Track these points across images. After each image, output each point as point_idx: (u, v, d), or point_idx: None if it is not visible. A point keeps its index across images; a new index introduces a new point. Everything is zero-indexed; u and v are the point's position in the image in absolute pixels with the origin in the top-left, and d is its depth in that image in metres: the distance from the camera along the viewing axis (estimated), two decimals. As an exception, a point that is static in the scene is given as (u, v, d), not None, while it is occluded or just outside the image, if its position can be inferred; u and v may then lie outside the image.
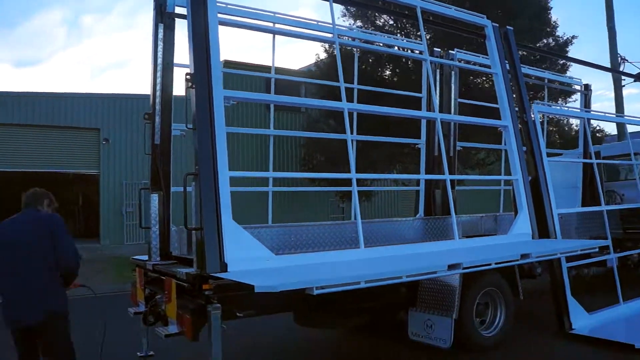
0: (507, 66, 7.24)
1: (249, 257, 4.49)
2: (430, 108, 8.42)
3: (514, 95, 7.25)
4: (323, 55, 20.24)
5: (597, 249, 6.21)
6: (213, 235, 4.41)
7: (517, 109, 7.15)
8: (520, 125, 7.10)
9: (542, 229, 6.72)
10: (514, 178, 6.75)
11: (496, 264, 5.09)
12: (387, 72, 19.94)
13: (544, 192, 6.89)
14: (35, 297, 4.01)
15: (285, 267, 4.60)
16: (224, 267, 4.34)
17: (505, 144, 7.64)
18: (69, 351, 4.26)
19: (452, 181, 6.60)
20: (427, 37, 6.68)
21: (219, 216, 4.45)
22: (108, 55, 77.90)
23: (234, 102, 4.91)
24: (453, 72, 8.52)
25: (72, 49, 76.81)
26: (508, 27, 7.48)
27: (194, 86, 4.59)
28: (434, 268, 4.55)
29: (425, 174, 8.46)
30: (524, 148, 7.00)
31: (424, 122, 8.58)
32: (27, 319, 4.02)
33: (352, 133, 6.12)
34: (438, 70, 8.35)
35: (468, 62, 9.51)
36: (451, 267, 4.59)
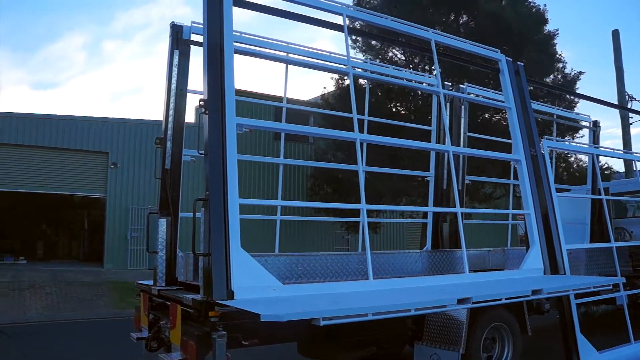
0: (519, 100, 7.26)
1: (256, 286, 4.43)
2: (440, 141, 8.45)
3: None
4: (331, 88, 20.42)
5: (610, 286, 6.11)
6: (221, 262, 4.37)
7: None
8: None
9: (552, 264, 6.64)
10: (526, 212, 6.68)
11: (506, 299, 5.01)
12: (397, 106, 20.05)
13: (553, 227, 6.84)
14: None
15: (293, 297, 4.55)
16: (230, 295, 4.29)
17: (515, 178, 7.61)
18: None
19: (461, 214, 6.56)
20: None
21: (227, 242, 4.42)
22: (126, 81, 79.04)
23: (246, 129, 4.93)
24: (463, 106, 8.56)
25: (91, 74, 78.08)
26: (519, 62, 7.53)
27: (207, 112, 4.62)
28: (443, 302, 4.49)
29: (434, 206, 8.44)
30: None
31: (433, 155, 8.59)
32: None
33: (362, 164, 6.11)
34: (448, 104, 8.40)
35: (477, 96, 9.57)
36: (460, 301, 4.52)
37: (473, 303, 4.63)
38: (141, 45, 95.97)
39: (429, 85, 9.46)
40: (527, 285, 5.49)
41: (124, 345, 5.46)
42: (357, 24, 20.34)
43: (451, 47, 6.96)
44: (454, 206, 6.43)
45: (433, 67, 6.58)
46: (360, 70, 8.64)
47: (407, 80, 9.26)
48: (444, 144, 8.06)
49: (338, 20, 5.90)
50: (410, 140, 6.64)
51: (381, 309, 4.07)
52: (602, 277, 7.20)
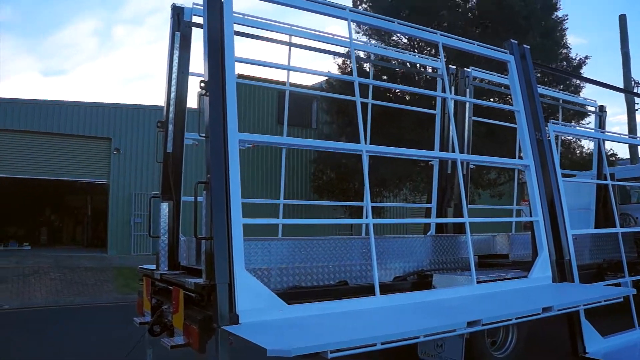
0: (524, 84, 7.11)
1: (261, 308, 4.32)
2: (444, 125, 8.35)
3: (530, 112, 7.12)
4: (335, 72, 20.28)
5: (621, 299, 5.99)
6: (223, 245, 4.32)
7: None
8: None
9: (557, 251, 6.56)
10: (534, 219, 6.48)
11: (517, 318, 4.84)
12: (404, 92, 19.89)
13: (559, 213, 6.75)
14: None
15: (298, 320, 4.38)
16: (235, 319, 4.17)
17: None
18: None
19: (465, 197, 6.46)
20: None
21: (229, 226, 4.36)
22: (137, 67, 78.71)
23: (249, 145, 4.88)
24: (467, 90, 8.45)
25: (101, 60, 77.79)
26: (525, 45, 7.40)
27: (207, 94, 4.55)
28: (452, 326, 4.32)
29: (437, 190, 8.35)
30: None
31: (437, 139, 8.46)
32: None
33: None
34: (453, 87, 8.29)
35: (482, 80, 9.44)
36: (470, 324, 4.37)
37: (483, 325, 4.50)
38: (152, 30, 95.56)
39: (433, 69, 9.34)
40: (538, 301, 5.32)
41: (127, 330, 5.44)
42: (362, 7, 20.14)
43: (459, 49, 6.80)
44: (459, 191, 6.31)
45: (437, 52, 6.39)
46: (363, 53, 8.54)
47: (410, 64, 9.15)
48: (448, 129, 7.99)
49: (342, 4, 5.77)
50: (417, 150, 6.62)
51: (390, 337, 3.92)
52: (613, 287, 7.08)
